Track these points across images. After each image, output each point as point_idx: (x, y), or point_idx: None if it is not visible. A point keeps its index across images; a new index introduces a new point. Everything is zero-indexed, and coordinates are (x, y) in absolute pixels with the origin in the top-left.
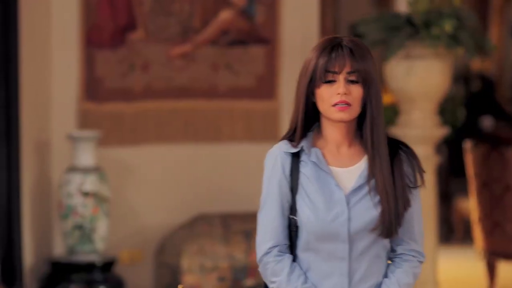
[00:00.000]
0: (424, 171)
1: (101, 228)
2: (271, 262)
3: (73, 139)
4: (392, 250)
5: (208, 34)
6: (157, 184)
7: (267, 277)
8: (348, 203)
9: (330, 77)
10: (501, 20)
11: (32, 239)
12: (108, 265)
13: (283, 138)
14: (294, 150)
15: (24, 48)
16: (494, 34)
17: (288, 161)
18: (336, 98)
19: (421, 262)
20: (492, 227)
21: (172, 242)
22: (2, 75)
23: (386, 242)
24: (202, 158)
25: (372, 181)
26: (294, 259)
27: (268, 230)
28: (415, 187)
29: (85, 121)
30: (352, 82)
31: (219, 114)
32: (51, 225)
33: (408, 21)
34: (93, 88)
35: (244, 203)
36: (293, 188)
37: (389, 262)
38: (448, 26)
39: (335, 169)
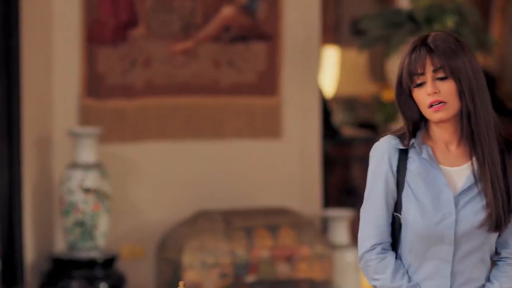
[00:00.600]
0: None
1: (102, 224)
2: (374, 260)
3: (74, 136)
4: (497, 253)
5: (209, 31)
6: (159, 180)
7: (369, 274)
8: (456, 204)
9: (418, 80)
10: (503, 17)
11: (33, 236)
12: (109, 262)
13: (391, 133)
14: (403, 147)
15: (25, 44)
16: (496, 30)
17: (395, 157)
18: (429, 99)
19: None
20: None
21: (174, 238)
22: (4, 71)
23: (492, 246)
24: (204, 154)
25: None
26: (396, 256)
27: (372, 227)
28: None
29: (86, 117)
30: (441, 79)
31: (221, 110)
32: (52, 222)
33: (410, 17)
34: (94, 85)
35: (246, 200)
36: (399, 185)
37: (494, 265)
38: (449, 22)
39: (445, 168)
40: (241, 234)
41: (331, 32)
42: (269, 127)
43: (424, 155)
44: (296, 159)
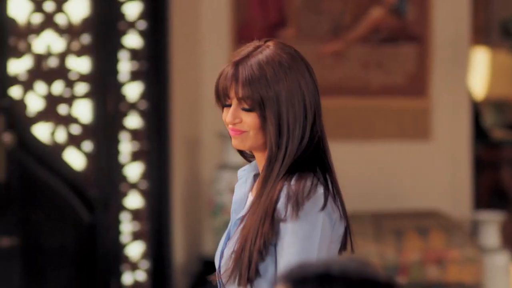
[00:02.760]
0: (299, 207)
1: None
2: None
3: (223, 137)
4: None
5: (359, 32)
6: None
7: None
8: (229, 235)
9: (227, 101)
10: None
11: (183, 236)
12: None
13: None
14: (238, 178)
15: (175, 47)
16: None
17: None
18: (229, 125)
19: None
20: None
21: None
22: (154, 74)
23: None
24: (353, 156)
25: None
26: None
27: None
28: (283, 220)
29: None
30: (246, 110)
31: (370, 112)
32: (201, 223)
33: None
34: None
35: (396, 202)
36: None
37: None
38: None
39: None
40: (391, 237)
41: (481, 34)
42: (418, 129)
43: (241, 181)
44: (445, 161)
